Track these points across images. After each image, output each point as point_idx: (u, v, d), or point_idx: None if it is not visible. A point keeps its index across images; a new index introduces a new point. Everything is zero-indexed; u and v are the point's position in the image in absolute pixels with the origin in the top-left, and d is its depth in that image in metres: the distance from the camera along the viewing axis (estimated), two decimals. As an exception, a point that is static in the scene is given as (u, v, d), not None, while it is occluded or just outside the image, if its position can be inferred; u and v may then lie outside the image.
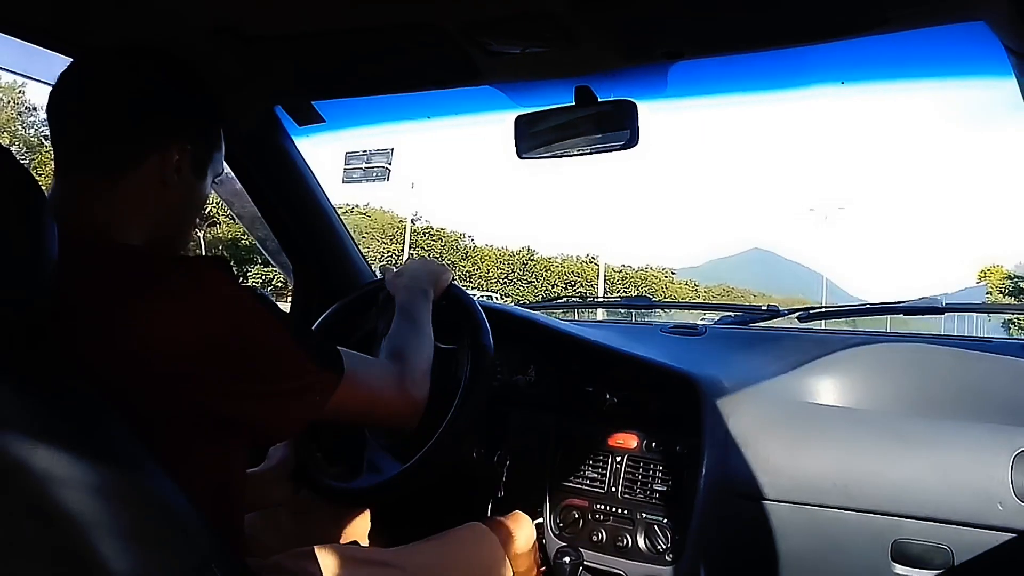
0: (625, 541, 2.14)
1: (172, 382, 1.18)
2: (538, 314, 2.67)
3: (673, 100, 2.11)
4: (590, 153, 2.00)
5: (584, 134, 1.98)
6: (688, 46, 1.78)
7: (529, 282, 79.58)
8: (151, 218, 1.37)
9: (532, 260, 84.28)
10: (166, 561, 1.02)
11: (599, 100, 1.94)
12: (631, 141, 1.92)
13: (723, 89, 2.14)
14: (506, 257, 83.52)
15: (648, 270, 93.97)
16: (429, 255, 69.75)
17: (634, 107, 1.90)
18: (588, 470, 2.29)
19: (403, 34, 1.73)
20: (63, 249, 1.01)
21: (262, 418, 1.32)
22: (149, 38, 1.79)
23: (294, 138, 2.53)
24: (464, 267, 75.02)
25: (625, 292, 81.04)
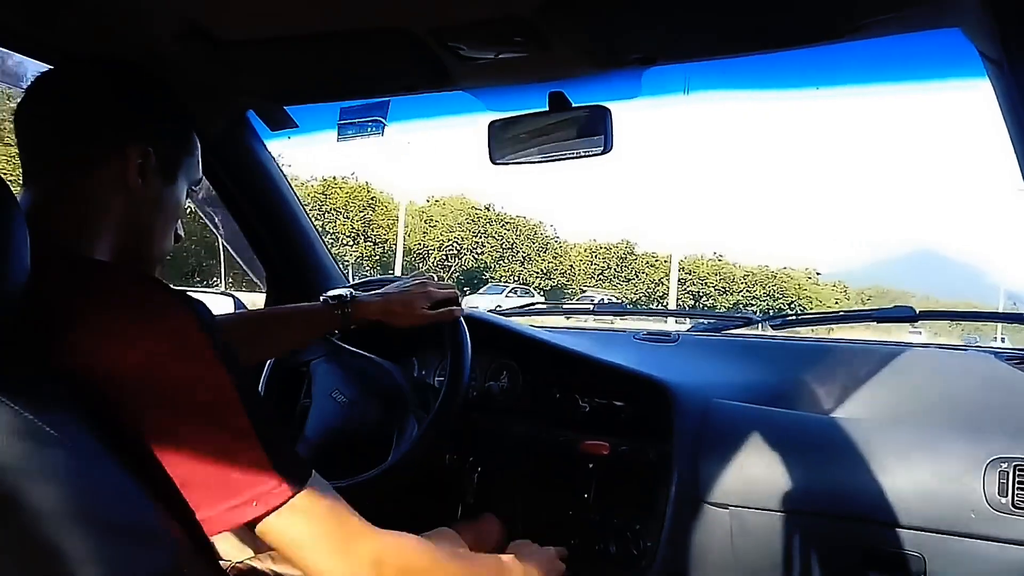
0: (598, 547, 2.15)
1: (118, 410, 1.10)
2: (511, 321, 2.66)
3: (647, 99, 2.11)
4: (564, 159, 1.99)
5: (558, 140, 1.97)
6: (661, 52, 1.77)
7: (628, 279, 76.25)
8: (118, 224, 1.35)
9: (632, 255, 79.60)
10: (136, 563, 1.01)
11: (573, 106, 1.94)
12: (605, 147, 1.92)
13: (702, 89, 2.15)
14: (600, 251, 78.56)
15: (787, 271, 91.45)
16: (502, 246, 65.84)
17: (608, 113, 1.90)
18: (561, 476, 2.29)
19: (375, 39, 1.72)
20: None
21: (189, 496, 1.13)
22: (120, 41, 1.78)
23: (265, 141, 2.52)
24: (545, 261, 71.30)
25: (752, 295, 79.84)
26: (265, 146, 2.54)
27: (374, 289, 2.18)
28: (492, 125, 2.05)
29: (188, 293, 1.27)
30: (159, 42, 1.76)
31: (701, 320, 2.85)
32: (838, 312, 2.68)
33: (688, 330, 2.80)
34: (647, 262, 79.96)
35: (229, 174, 2.51)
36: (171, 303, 1.18)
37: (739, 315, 2.78)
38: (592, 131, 1.93)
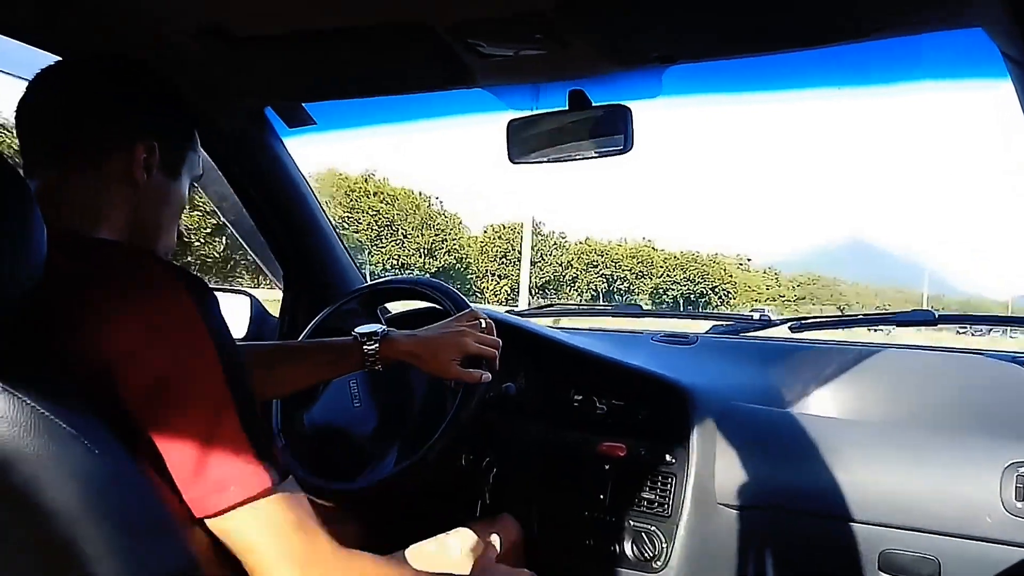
0: (613, 548, 2.14)
1: (117, 394, 1.10)
2: (529, 321, 2.66)
3: (666, 99, 2.10)
4: (583, 159, 1.99)
5: (577, 139, 1.96)
6: (681, 51, 1.77)
7: (533, 263, 75.09)
8: (122, 218, 1.36)
9: (539, 235, 77.80)
10: (152, 559, 1.01)
11: (592, 104, 1.93)
12: (625, 146, 1.91)
13: (718, 90, 2.14)
14: (504, 231, 77.16)
15: (719, 257, 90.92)
16: (376, 219, 63.11)
17: (628, 112, 1.89)
18: (577, 477, 2.28)
19: (393, 36, 1.72)
20: None
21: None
22: (136, 38, 1.78)
23: (283, 138, 2.53)
24: (427, 238, 68.55)
25: (672, 279, 79.50)
26: (283, 143, 2.54)
27: (406, 289, 2.24)
28: (511, 124, 2.05)
29: (195, 275, 1.27)
30: (175, 39, 1.77)
31: (719, 322, 2.84)
32: (856, 316, 2.68)
33: (706, 332, 2.79)
34: (554, 243, 78.68)
35: (246, 171, 2.52)
36: (171, 282, 1.18)
37: (757, 317, 2.76)
38: (612, 130, 1.92)
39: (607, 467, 2.24)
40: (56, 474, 0.91)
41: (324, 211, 2.79)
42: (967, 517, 1.81)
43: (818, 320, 2.64)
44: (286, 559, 1.16)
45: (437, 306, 2.14)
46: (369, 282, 2.64)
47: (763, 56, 1.76)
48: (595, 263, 79.22)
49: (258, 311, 2.84)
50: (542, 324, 2.73)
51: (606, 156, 1.96)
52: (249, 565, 1.17)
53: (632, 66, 1.82)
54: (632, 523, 2.15)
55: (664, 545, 2.07)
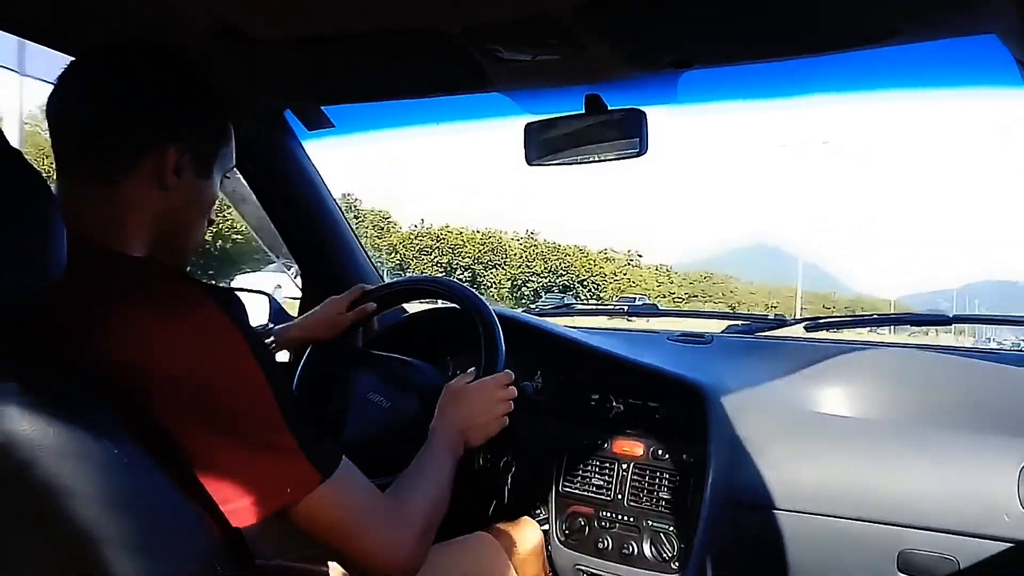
0: (631, 549, 2.15)
1: (149, 406, 1.10)
2: (546, 321, 2.67)
3: (683, 106, 2.10)
4: (599, 161, 1.99)
5: (593, 142, 1.97)
6: (697, 55, 1.77)
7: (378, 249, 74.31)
8: (153, 223, 1.33)
9: (388, 221, 78.44)
10: (168, 564, 1.02)
11: (608, 108, 1.94)
12: (640, 149, 1.91)
13: (732, 96, 2.15)
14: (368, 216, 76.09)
15: (608, 252, 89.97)
16: None
17: (643, 116, 1.90)
18: (594, 477, 2.29)
19: (412, 40, 1.72)
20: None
21: (221, 490, 1.15)
22: (152, 39, 1.78)
23: (302, 141, 2.54)
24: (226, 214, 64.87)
25: (532, 270, 78.21)
26: (302, 146, 2.55)
27: None
28: (528, 127, 2.05)
29: (221, 286, 1.27)
30: (195, 40, 1.76)
31: (735, 322, 2.84)
32: (872, 315, 2.67)
33: (722, 332, 2.79)
34: (372, 222, 76.57)
35: (266, 173, 2.53)
36: (201, 298, 1.18)
37: (773, 317, 2.76)
38: (627, 134, 1.93)
39: (624, 466, 2.25)
40: (73, 477, 0.92)
41: (343, 213, 2.80)
42: (985, 517, 1.81)
43: (833, 320, 2.64)
44: (355, 531, 1.26)
45: (456, 306, 2.14)
46: (386, 281, 2.65)
47: (777, 62, 1.77)
48: (429, 249, 76.80)
49: (276, 311, 2.86)
50: (558, 323, 2.73)
51: (621, 159, 1.97)
52: (327, 543, 1.24)
53: (648, 70, 1.83)
54: (650, 523, 2.16)
55: (682, 545, 2.08)
